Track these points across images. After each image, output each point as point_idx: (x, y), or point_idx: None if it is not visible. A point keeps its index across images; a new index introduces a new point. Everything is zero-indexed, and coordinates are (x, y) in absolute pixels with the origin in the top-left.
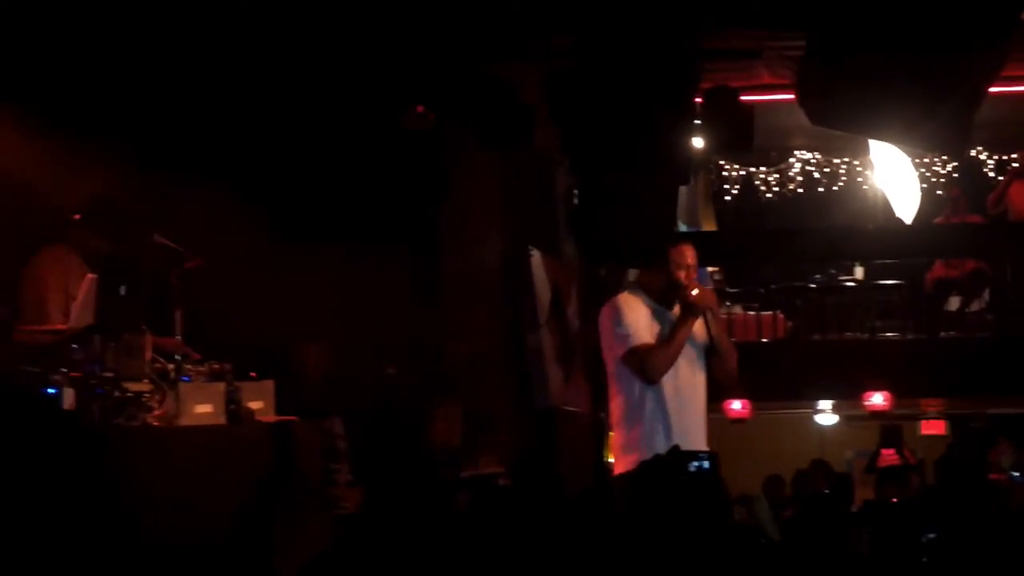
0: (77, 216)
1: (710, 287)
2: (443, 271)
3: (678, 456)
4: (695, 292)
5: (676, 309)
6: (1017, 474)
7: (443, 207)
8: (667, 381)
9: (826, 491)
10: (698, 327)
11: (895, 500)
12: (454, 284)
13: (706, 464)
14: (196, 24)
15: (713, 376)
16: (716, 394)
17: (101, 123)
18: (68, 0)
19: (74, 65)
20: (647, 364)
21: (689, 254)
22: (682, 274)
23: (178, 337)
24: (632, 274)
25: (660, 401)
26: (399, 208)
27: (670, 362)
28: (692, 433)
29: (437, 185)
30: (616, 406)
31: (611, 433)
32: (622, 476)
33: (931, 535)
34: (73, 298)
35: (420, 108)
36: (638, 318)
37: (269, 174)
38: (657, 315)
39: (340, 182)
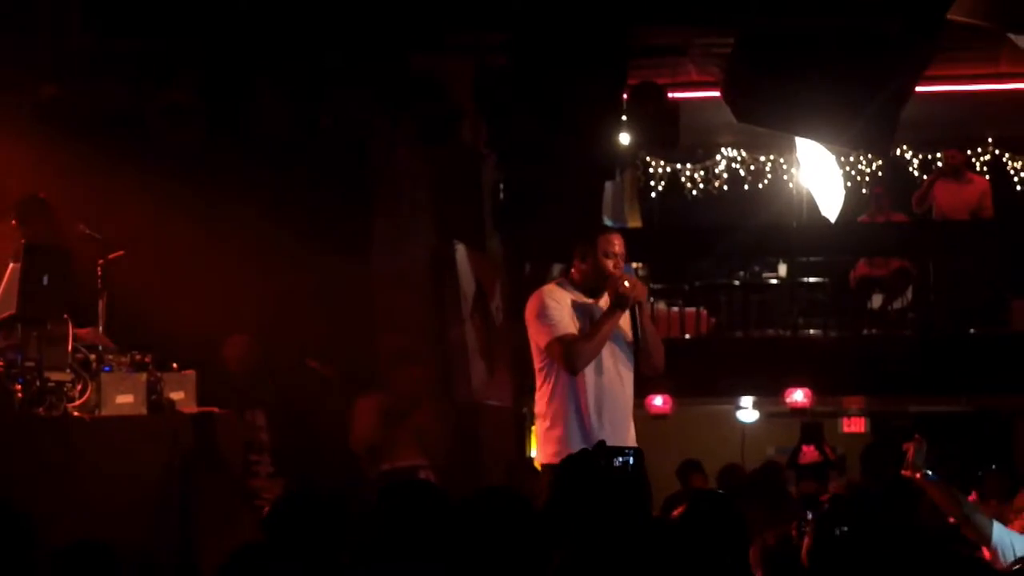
0: (13, 220)
1: (643, 284)
2: (371, 265)
3: (603, 451)
4: (627, 284)
5: (603, 300)
6: (931, 472)
7: (372, 201)
8: (590, 375)
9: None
10: (625, 322)
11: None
12: (382, 278)
13: (631, 459)
14: (131, 14)
15: (639, 370)
16: (638, 389)
17: (30, 111)
18: None
19: (3, 48)
20: (570, 353)
21: (617, 243)
22: (610, 263)
23: (99, 329)
24: (556, 269)
25: (583, 395)
26: (327, 202)
27: (593, 353)
28: (615, 428)
29: (366, 179)
30: (540, 398)
31: (535, 425)
32: (545, 466)
33: (844, 528)
34: None
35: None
36: (562, 308)
37: (197, 167)
38: (582, 307)
39: (269, 176)
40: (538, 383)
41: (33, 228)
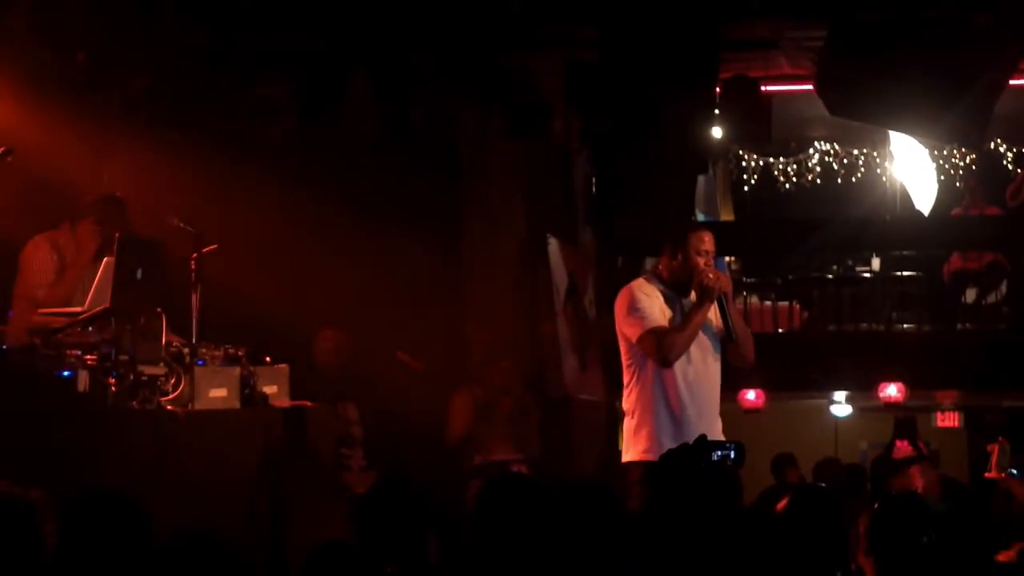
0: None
1: (727, 275)
2: (462, 259)
3: (703, 445)
4: (711, 276)
5: (691, 297)
6: (1015, 471)
7: (463, 195)
8: (679, 369)
9: (822, 484)
10: (715, 315)
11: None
12: (473, 272)
13: (731, 453)
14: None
15: (729, 362)
16: (731, 384)
17: (124, 105)
18: None
19: (96, 44)
20: (663, 346)
21: (708, 240)
22: (701, 260)
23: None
24: (649, 263)
25: (672, 388)
26: (418, 195)
27: (685, 345)
28: (704, 421)
29: (456, 172)
30: (627, 394)
31: (623, 422)
32: (633, 464)
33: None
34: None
35: None
36: (653, 303)
37: (288, 161)
38: (672, 301)
39: (359, 170)
40: (626, 379)
41: (112, 227)
